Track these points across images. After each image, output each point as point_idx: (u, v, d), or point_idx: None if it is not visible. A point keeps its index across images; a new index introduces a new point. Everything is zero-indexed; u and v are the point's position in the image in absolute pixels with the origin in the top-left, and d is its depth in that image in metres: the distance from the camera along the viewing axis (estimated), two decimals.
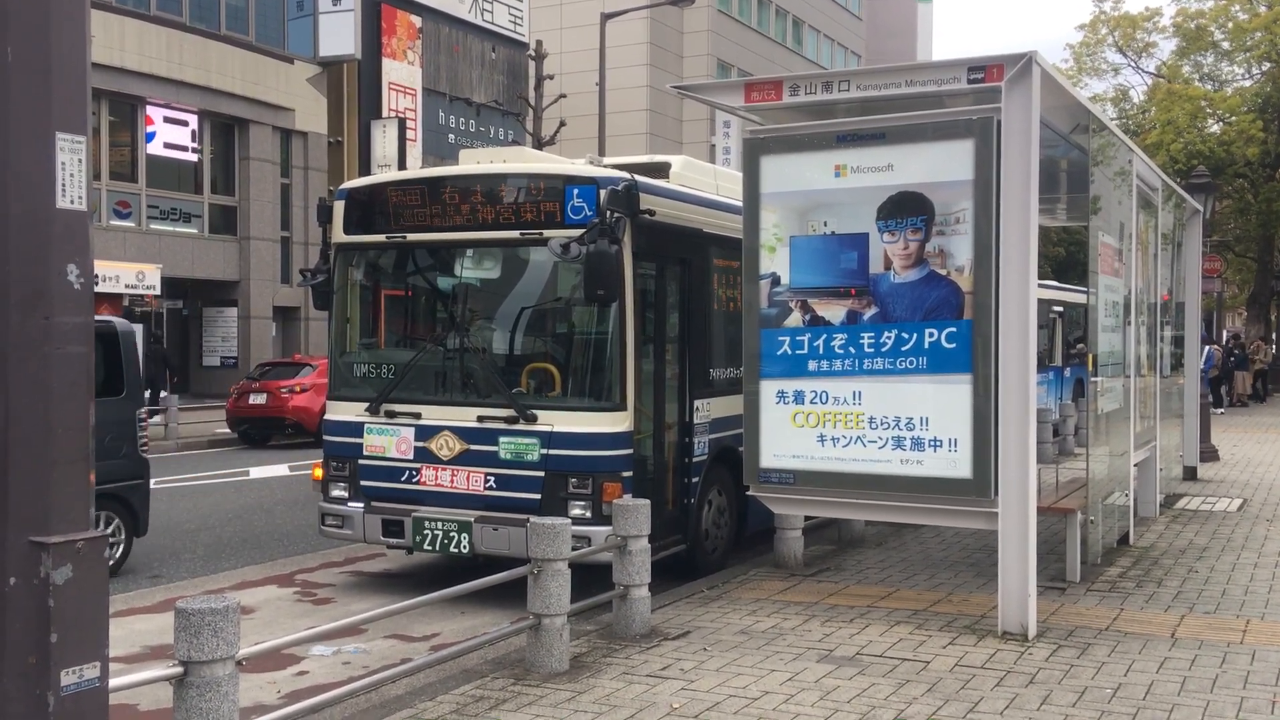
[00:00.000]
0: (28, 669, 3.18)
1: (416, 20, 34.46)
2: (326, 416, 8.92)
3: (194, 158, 28.82)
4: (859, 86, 7.19)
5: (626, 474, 7.86)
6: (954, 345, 6.88)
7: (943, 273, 6.93)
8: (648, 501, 7.00)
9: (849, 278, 7.20)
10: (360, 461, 8.52)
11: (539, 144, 29.06)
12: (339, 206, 8.92)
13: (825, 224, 7.28)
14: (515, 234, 8.13)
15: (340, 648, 6.97)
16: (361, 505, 8.50)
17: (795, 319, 7.36)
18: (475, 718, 5.33)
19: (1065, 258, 40.29)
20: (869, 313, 7.13)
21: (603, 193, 7.69)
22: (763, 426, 7.48)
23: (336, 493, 8.68)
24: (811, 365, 7.31)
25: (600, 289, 7.50)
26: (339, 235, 8.89)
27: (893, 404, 7.05)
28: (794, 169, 7.37)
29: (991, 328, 6.75)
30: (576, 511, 7.71)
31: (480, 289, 8.78)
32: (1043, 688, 5.77)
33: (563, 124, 30.28)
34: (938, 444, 6.93)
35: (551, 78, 31.45)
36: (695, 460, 8.72)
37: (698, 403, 8.75)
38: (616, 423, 7.87)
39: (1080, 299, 20.42)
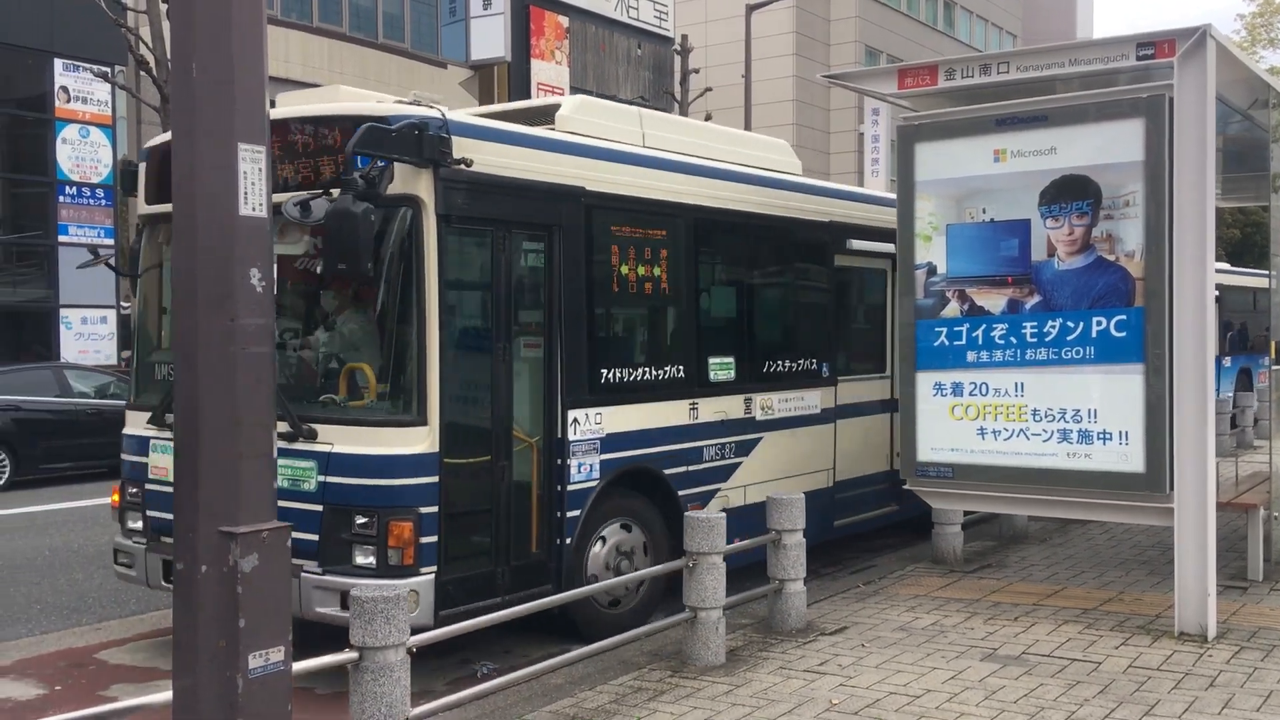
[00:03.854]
0: (218, 652, 3.37)
1: (564, 20, 34.96)
2: (124, 430, 7.23)
3: None
4: (1019, 68, 6.96)
5: (427, 509, 5.90)
6: (1124, 334, 6.60)
7: (1111, 258, 6.66)
8: (801, 495, 6.93)
9: (1009, 265, 6.98)
10: (147, 486, 6.89)
11: None
12: (141, 170, 7.26)
13: (984, 211, 7.08)
14: (304, 195, 5.92)
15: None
16: (145, 541, 6.87)
17: (953, 309, 7.18)
18: (634, 708, 5.39)
19: (1241, 240, 38.16)
20: (1031, 301, 6.90)
21: (359, 132, 5.68)
22: (919, 419, 7.33)
23: (131, 524, 7.01)
24: (970, 356, 7.12)
25: (342, 262, 5.61)
26: (142, 205, 7.29)
27: (1058, 395, 6.81)
28: (950, 155, 7.19)
29: (1165, 315, 6.45)
30: (360, 560, 5.86)
31: (287, 265, 6.67)
32: (1224, 691, 5.49)
33: (709, 117, 30.18)
34: (1107, 437, 6.67)
35: (697, 71, 31.48)
36: (574, 488, 6.66)
37: (579, 414, 6.71)
38: (411, 442, 5.91)
39: (1239, 282, 19.16)
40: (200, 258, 3.39)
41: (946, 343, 7.19)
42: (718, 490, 7.83)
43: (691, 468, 7.61)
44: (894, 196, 8.58)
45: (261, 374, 3.48)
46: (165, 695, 3.62)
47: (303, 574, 5.81)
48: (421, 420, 5.97)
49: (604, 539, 7.00)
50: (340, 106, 6.36)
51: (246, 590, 3.37)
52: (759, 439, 8.20)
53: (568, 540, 6.66)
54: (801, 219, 8.74)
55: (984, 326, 7.05)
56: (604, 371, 6.99)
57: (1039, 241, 6.86)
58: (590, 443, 6.83)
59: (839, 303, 9.23)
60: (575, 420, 6.72)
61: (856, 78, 8.83)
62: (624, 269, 7.20)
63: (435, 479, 5.97)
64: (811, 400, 8.76)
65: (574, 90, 34.95)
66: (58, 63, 22.30)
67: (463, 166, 6.10)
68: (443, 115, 6.19)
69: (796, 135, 43.61)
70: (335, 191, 5.79)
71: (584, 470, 6.78)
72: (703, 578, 6.07)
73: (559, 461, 6.63)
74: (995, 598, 7.48)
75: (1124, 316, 6.60)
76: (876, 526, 9.63)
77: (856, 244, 9.18)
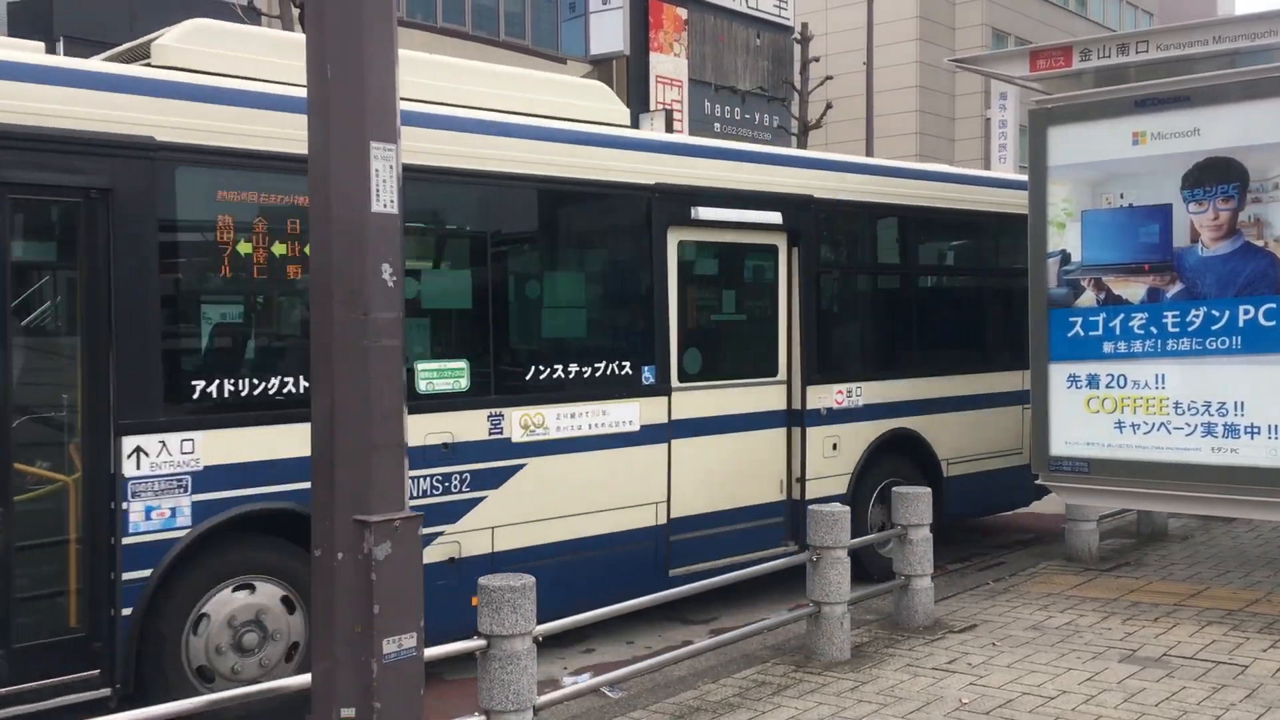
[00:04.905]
0: (354, 637, 3.46)
1: (683, 13, 34.93)
2: None
3: None
4: (1159, 47, 6.69)
5: None
6: (1273, 323, 6.29)
7: (1259, 244, 6.36)
8: (928, 490, 6.79)
9: (1149, 252, 6.73)
10: None
11: (805, 128, 28.82)
12: None
13: (1121, 196, 6.84)
14: None
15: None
16: None
17: (1088, 298, 6.95)
18: (758, 702, 5.36)
19: None
20: (1172, 289, 6.63)
21: None
22: (1052, 412, 7.12)
23: None
24: (1107, 347, 6.88)
25: None
26: None
27: (1202, 387, 6.54)
28: (1085, 139, 6.96)
29: None
30: None
31: None
32: None
33: (829, 106, 29.84)
34: (1255, 431, 6.37)
35: (817, 60, 31.09)
36: (138, 540, 5.09)
37: (146, 441, 5.11)
38: None
39: None
40: (335, 254, 3.47)
41: (1081, 333, 6.96)
42: (436, 535, 5.97)
43: None
44: (789, 152, 8.38)
45: (393, 367, 3.55)
46: (305, 678, 3.74)
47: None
48: None
49: (207, 614, 5.31)
50: None
51: (380, 578, 3.44)
52: (518, 466, 6.34)
53: (125, 611, 5.06)
54: (605, 180, 6.79)
55: (1122, 316, 6.80)
56: (198, 383, 5.31)
57: (1181, 227, 6.59)
58: (170, 480, 5.20)
59: (681, 289, 7.20)
60: (140, 450, 5.10)
61: (985, 61, 8.62)
62: (243, 247, 5.47)
63: None
64: (623, 414, 6.79)
65: (693, 84, 34.96)
66: None
67: None
68: None
69: (920, 122, 42.72)
70: None
71: (158, 517, 5.15)
72: (826, 572, 6.00)
73: (111, 505, 5.03)
74: (1133, 597, 7.22)
75: (1274, 304, 6.30)
76: (757, 575, 6.54)
77: (710, 214, 7.25)
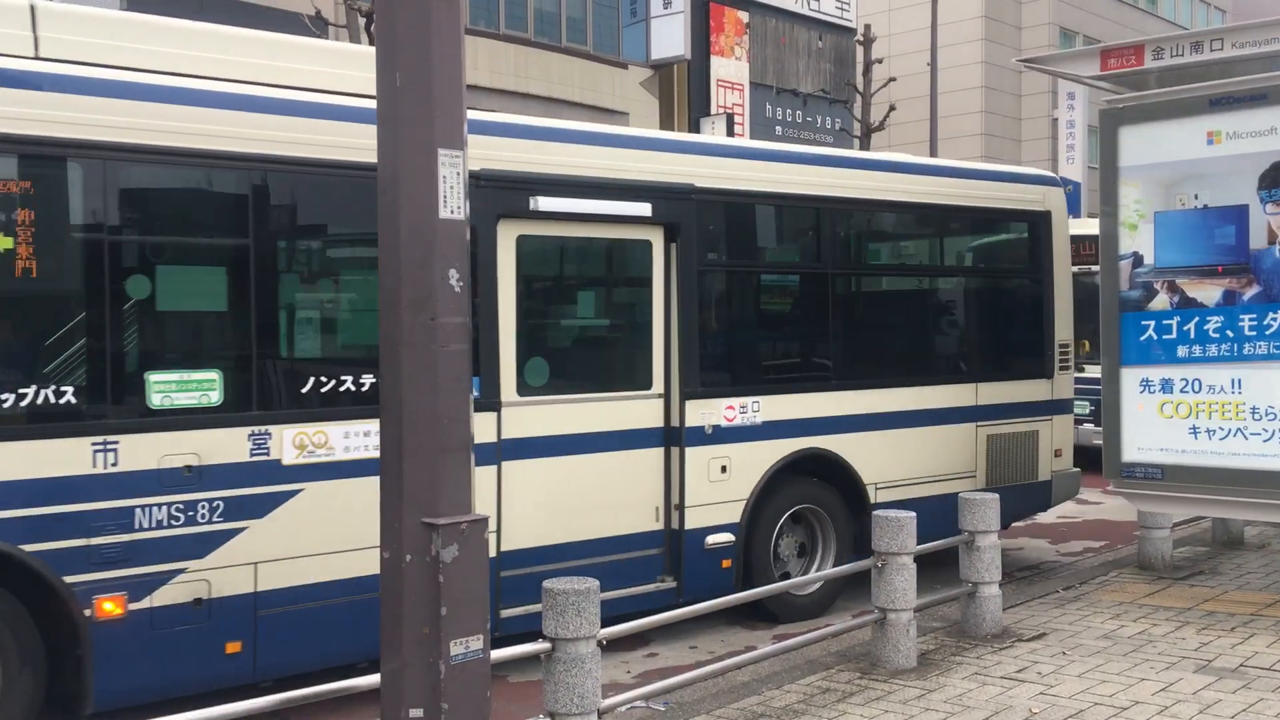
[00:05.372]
0: (422, 638, 3.50)
1: (744, 16, 34.85)
2: None
3: None
4: (1234, 44, 6.55)
5: None
6: None
7: None
8: (996, 496, 6.70)
9: (1224, 254, 6.58)
10: None
11: (868, 131, 28.59)
12: None
13: (1195, 196, 6.70)
14: None
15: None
16: None
17: (1161, 301, 6.82)
18: (823, 709, 5.33)
19: None
20: (1249, 292, 6.48)
21: None
22: (1124, 417, 6.98)
23: None
24: (1181, 351, 6.74)
25: None
26: None
27: None
28: (1158, 139, 6.83)
29: None
30: None
31: None
32: None
33: (892, 108, 29.60)
34: None
35: (880, 62, 30.85)
36: None
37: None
38: None
39: None
40: (403, 259, 3.52)
41: (1155, 337, 6.83)
42: (175, 572, 5.20)
43: (96, 541, 4.99)
44: (663, 136, 7.35)
45: (460, 371, 3.59)
46: (374, 678, 3.79)
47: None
48: None
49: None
50: None
51: (447, 580, 3.48)
52: (290, 493, 5.53)
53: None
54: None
55: (1196, 319, 6.66)
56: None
57: (1258, 228, 6.44)
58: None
59: (523, 291, 6.36)
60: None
61: (1054, 60, 8.50)
62: None
63: None
64: None
65: (754, 87, 34.86)
66: None
67: None
68: None
69: (985, 123, 42.17)
70: None
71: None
72: (892, 578, 5.94)
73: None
74: (1208, 606, 7.05)
75: None
76: (621, 610, 6.28)
77: (556, 205, 6.39)
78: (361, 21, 17.44)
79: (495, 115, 6.61)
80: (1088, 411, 12.66)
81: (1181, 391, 6.74)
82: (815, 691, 5.59)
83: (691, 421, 6.86)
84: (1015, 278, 8.98)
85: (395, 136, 3.52)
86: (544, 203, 6.33)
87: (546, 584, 4.49)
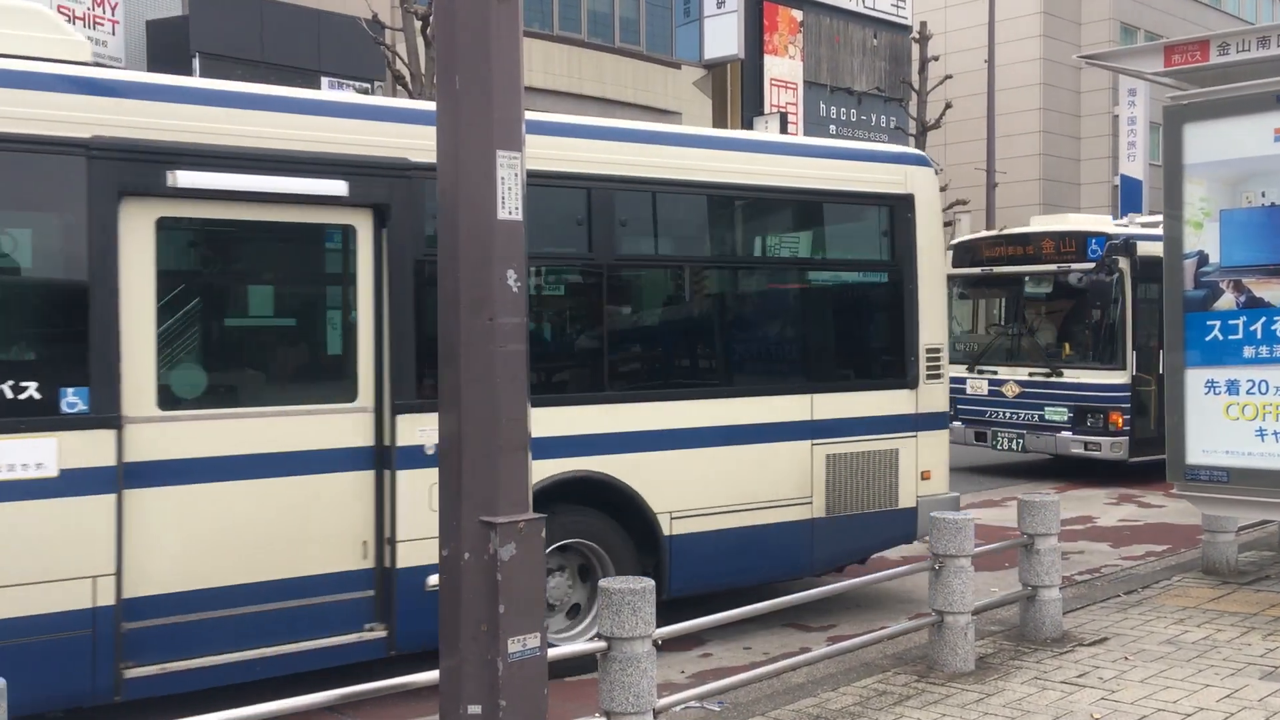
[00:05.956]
0: (480, 635, 3.53)
1: (798, 14, 34.70)
2: None
3: None
4: None
5: None
6: None
7: None
8: (1057, 498, 6.61)
9: None
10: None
11: (923, 129, 28.34)
12: None
13: (1263, 194, 6.55)
14: None
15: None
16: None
17: (1227, 301, 6.68)
18: (879, 712, 5.29)
19: None
20: None
21: None
22: (1188, 419, 6.85)
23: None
24: (1248, 351, 6.60)
25: None
26: None
27: None
28: (1224, 136, 6.69)
29: None
30: None
31: None
32: None
33: (948, 106, 29.26)
34: None
35: (936, 59, 30.53)
36: None
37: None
38: None
39: None
40: (462, 260, 3.56)
41: (1220, 337, 6.69)
42: None
43: None
44: (369, 102, 6.20)
45: (518, 371, 3.62)
46: (431, 674, 3.83)
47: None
48: None
49: None
50: None
51: (505, 578, 3.51)
52: None
53: None
54: None
55: (1264, 319, 6.52)
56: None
57: None
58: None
59: (165, 285, 5.32)
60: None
61: (1117, 57, 8.36)
62: None
63: None
64: (22, 455, 4.90)
65: (808, 85, 34.67)
66: (324, 80, 24.01)
67: None
68: None
69: (1043, 120, 41.60)
70: None
71: None
72: (950, 581, 5.88)
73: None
74: (1275, 612, 6.90)
75: None
76: (316, 666, 5.58)
77: (205, 181, 5.29)
78: (417, 24, 17.61)
79: (132, 74, 5.68)
80: (1065, 419, 12.88)
81: (1248, 393, 6.61)
82: (871, 694, 5.56)
83: (406, 440, 5.75)
84: (867, 271, 7.84)
85: (455, 138, 3.56)
86: (188, 178, 5.23)
87: (603, 583, 4.47)
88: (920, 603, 6.79)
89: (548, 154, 6.13)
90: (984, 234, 15.08)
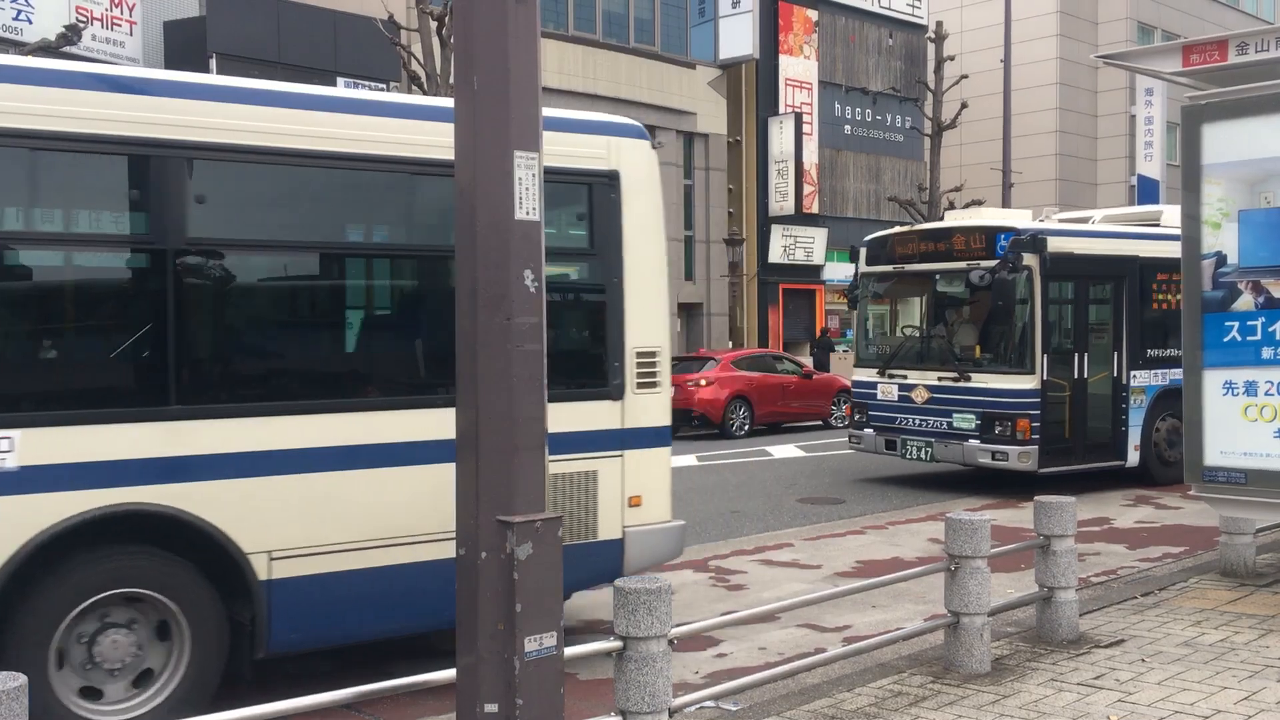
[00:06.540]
0: (496, 634, 3.54)
1: (813, 14, 34.64)
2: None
3: None
4: None
5: None
6: None
7: None
8: (1074, 499, 6.58)
9: None
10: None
11: (939, 129, 28.26)
12: None
13: None
14: None
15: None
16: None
17: (1246, 302, 6.65)
18: (895, 713, 5.28)
19: None
20: None
21: None
22: (1206, 420, 6.82)
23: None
24: (1266, 353, 6.57)
25: None
26: None
27: None
28: (1242, 136, 6.66)
29: None
30: None
31: None
32: None
33: (964, 106, 29.18)
34: None
35: (952, 59, 30.43)
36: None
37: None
38: None
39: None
40: (479, 260, 3.57)
41: (1239, 338, 6.66)
42: None
43: None
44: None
45: (534, 371, 3.63)
46: (449, 673, 3.84)
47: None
48: None
49: None
50: None
51: (522, 577, 3.52)
52: None
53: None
54: None
55: None
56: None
57: None
58: None
59: None
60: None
61: (1134, 56, 8.33)
62: None
63: None
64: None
65: (823, 85, 34.59)
66: (340, 81, 24.12)
67: None
68: None
69: (1060, 120, 41.44)
70: None
71: None
72: (965, 581, 5.87)
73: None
74: None
75: None
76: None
77: None
78: (433, 25, 17.65)
79: None
80: (973, 426, 12.11)
81: (1266, 394, 6.57)
82: (887, 695, 5.55)
83: None
84: (554, 262, 5.59)
85: (473, 139, 3.57)
86: None
87: (618, 583, 4.49)
88: (936, 603, 6.75)
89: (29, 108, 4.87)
90: (896, 230, 14.10)
